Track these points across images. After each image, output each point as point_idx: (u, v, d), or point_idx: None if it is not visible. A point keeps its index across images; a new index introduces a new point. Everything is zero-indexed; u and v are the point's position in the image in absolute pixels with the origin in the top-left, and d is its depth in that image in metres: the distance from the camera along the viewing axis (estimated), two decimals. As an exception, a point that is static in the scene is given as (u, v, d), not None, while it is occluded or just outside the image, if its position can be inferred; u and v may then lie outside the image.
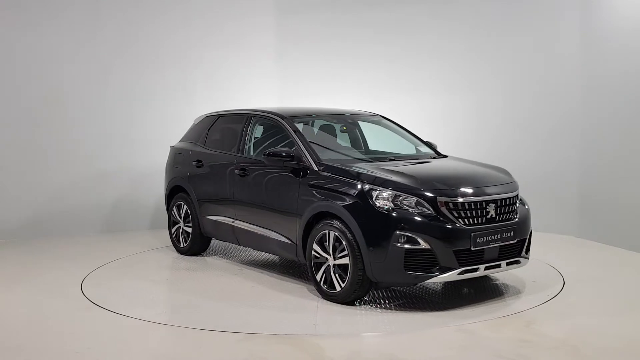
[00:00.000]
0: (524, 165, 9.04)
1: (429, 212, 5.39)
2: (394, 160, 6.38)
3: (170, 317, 5.42)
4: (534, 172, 8.97)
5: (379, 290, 6.04)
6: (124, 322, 5.34)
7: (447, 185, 5.58)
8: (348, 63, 9.90)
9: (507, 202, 5.72)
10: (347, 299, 5.65)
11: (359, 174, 5.74)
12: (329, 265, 5.74)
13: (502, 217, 5.66)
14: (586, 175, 8.46)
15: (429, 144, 6.98)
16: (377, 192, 5.50)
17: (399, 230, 5.31)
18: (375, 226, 5.43)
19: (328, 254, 5.74)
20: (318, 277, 5.84)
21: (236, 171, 6.89)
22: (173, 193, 7.90)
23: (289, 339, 4.87)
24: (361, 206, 5.53)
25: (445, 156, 6.75)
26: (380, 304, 5.73)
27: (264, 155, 6.33)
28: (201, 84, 9.74)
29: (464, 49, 9.41)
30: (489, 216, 5.55)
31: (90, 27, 9.10)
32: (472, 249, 5.39)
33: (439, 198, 5.42)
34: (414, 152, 6.87)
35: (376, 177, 5.62)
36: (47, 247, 8.33)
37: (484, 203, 5.54)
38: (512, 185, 5.92)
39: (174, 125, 9.51)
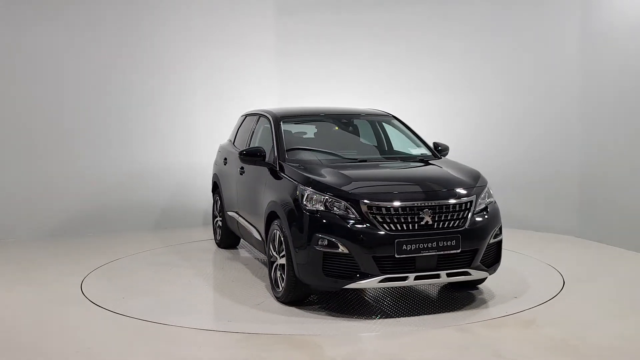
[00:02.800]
0: (524, 165, 9.07)
1: (353, 216, 5.26)
2: (365, 162, 6.28)
3: (170, 317, 5.42)
4: (534, 172, 8.99)
5: (378, 291, 6.03)
6: (124, 322, 5.35)
7: (378, 189, 5.47)
8: (348, 63, 9.90)
9: (449, 209, 5.35)
10: (286, 299, 5.65)
11: (300, 175, 5.71)
12: (277, 265, 5.79)
13: (442, 224, 5.31)
14: (586, 175, 8.46)
15: (435, 146, 6.74)
16: (307, 193, 5.45)
17: (319, 232, 5.26)
18: (301, 227, 5.39)
19: (277, 253, 5.79)
20: (271, 275, 5.90)
21: (238, 169, 7.07)
22: (214, 189, 8.28)
23: (289, 339, 4.87)
24: (293, 207, 5.53)
25: (439, 158, 6.54)
26: (379, 303, 5.73)
27: (239, 154, 6.44)
28: (201, 84, 9.73)
29: (464, 48, 9.41)
30: (423, 223, 5.27)
31: (92, 28, 9.14)
32: (397, 256, 5.15)
33: (361, 202, 5.27)
34: (410, 153, 6.76)
35: (309, 179, 5.57)
36: (47, 247, 8.33)
37: (415, 209, 5.26)
38: (462, 192, 5.50)
39: (174, 125, 9.57)
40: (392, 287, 6.05)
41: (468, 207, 5.45)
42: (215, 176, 8.24)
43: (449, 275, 5.33)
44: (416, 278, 5.24)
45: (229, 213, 7.57)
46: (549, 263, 7.07)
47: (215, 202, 8.29)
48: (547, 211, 8.91)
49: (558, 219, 8.78)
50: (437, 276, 5.31)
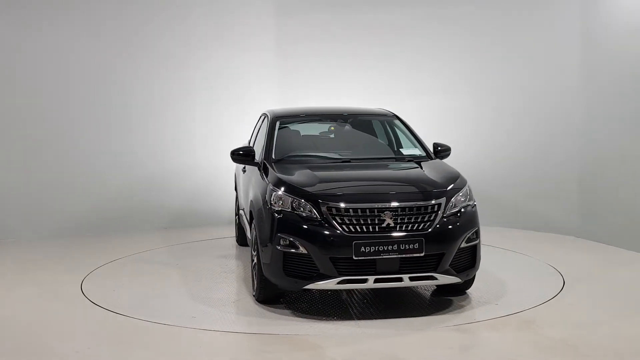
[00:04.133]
0: (524, 165, 9.07)
1: (315, 217, 5.23)
2: (349, 162, 6.24)
3: (170, 317, 5.42)
4: (535, 172, 8.99)
5: (378, 292, 6.03)
6: (124, 322, 5.35)
7: (341, 190, 5.42)
8: (348, 64, 9.85)
9: (412, 212, 5.22)
10: (259, 298, 5.69)
11: (272, 175, 5.74)
12: (254, 264, 5.81)
13: (405, 227, 5.19)
14: (586, 175, 8.46)
15: (435, 146, 6.55)
16: (274, 194, 5.47)
17: (281, 232, 5.26)
18: (266, 227, 5.41)
19: (254, 252, 5.82)
20: (252, 274, 5.92)
21: (242, 168, 7.17)
22: (236, 187, 8.34)
23: (289, 339, 4.87)
24: (262, 207, 5.57)
25: (432, 159, 6.39)
26: (379, 303, 5.74)
27: (230, 153, 6.44)
28: (201, 85, 9.72)
29: (464, 49, 9.40)
30: (384, 225, 5.19)
31: (95, 30, 9.18)
32: (355, 258, 5.08)
33: (321, 203, 5.24)
34: (403, 154, 6.65)
35: (277, 179, 5.60)
36: (47, 247, 8.33)
37: (375, 211, 5.18)
38: (428, 194, 5.36)
39: (175, 127, 9.57)
40: (393, 288, 6.00)
41: (435, 209, 5.30)
42: (235, 175, 8.36)
43: (412, 279, 5.20)
44: (376, 281, 5.15)
45: (240, 211, 7.67)
46: (549, 263, 7.07)
47: (235, 200, 8.40)
48: (547, 211, 8.91)
49: (558, 218, 8.78)
50: (400, 280, 5.18)
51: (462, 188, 5.60)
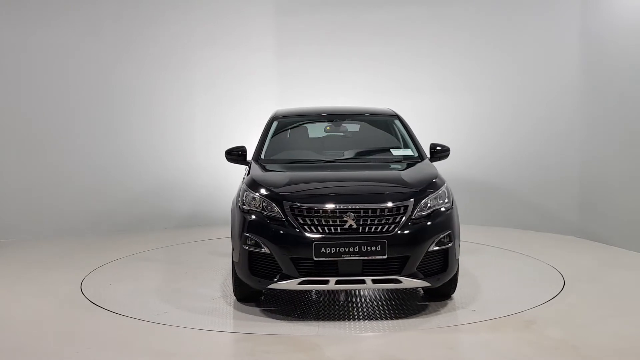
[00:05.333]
0: (524, 165, 9.07)
1: (279, 217, 5.24)
2: (333, 162, 6.23)
3: (170, 317, 5.42)
4: (534, 171, 8.99)
5: (377, 292, 6.03)
6: (124, 322, 5.35)
7: (308, 192, 5.43)
8: (348, 64, 9.85)
9: (375, 213, 5.15)
10: (237, 296, 5.74)
11: (249, 174, 5.78)
12: None
13: (368, 229, 5.13)
14: (586, 175, 8.46)
15: (433, 146, 6.41)
16: (246, 193, 5.52)
17: (248, 232, 5.29)
18: (236, 226, 5.47)
19: None
20: None
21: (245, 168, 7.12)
22: None
23: (288, 339, 4.87)
24: (235, 206, 5.63)
25: (422, 160, 6.25)
26: (379, 303, 5.74)
27: (225, 153, 6.46)
28: (202, 86, 9.71)
29: (464, 48, 9.41)
30: (346, 226, 5.14)
31: (94, 30, 9.19)
32: (315, 258, 5.05)
33: (285, 203, 5.25)
34: (393, 154, 6.49)
35: (251, 179, 5.64)
36: (48, 247, 8.33)
37: (337, 212, 5.13)
38: (394, 196, 5.28)
39: (176, 128, 9.56)
40: (392, 289, 5.98)
41: (400, 211, 5.20)
42: None
43: (375, 281, 5.12)
44: (338, 282, 5.11)
45: None
46: (549, 263, 7.06)
47: None
48: (547, 211, 8.91)
49: (558, 219, 8.78)
50: (362, 282, 5.12)
51: (436, 190, 5.46)
